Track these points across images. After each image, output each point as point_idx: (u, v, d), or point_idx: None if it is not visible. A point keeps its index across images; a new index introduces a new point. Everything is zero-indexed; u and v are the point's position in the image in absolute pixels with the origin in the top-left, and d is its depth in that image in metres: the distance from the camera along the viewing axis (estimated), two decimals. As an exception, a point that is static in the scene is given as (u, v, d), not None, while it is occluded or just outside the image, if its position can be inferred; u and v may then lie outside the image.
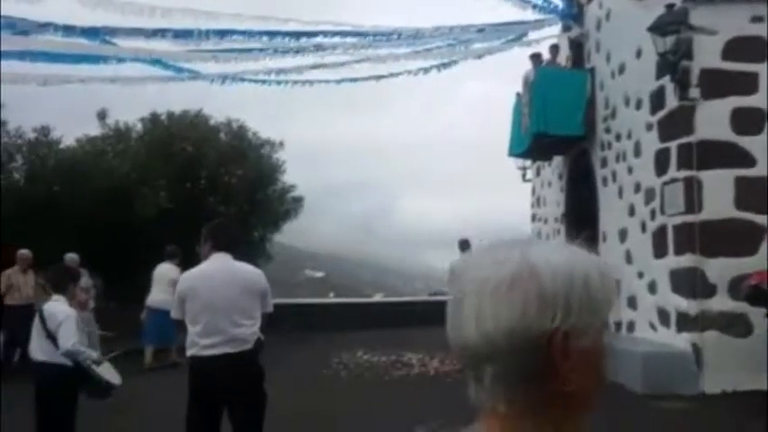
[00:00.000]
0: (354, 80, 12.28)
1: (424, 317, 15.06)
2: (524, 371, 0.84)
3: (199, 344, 4.23)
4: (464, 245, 10.81)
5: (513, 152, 12.97)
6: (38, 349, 4.77)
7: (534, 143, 11.50)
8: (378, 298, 29.88)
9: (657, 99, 8.64)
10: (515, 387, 0.85)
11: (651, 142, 8.80)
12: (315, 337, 13.34)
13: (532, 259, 0.85)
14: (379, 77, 12.22)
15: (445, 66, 12.37)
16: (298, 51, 11.04)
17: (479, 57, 12.21)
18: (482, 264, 0.88)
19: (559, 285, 0.84)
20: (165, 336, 9.70)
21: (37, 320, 4.80)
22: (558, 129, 10.93)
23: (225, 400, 4.27)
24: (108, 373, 4.85)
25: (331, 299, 27.86)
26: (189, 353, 4.33)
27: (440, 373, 9.77)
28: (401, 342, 12.06)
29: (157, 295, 9.94)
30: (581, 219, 11.38)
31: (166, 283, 9.35)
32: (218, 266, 4.38)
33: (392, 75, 12.33)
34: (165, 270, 10.15)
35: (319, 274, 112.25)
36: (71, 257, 10.13)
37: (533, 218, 14.81)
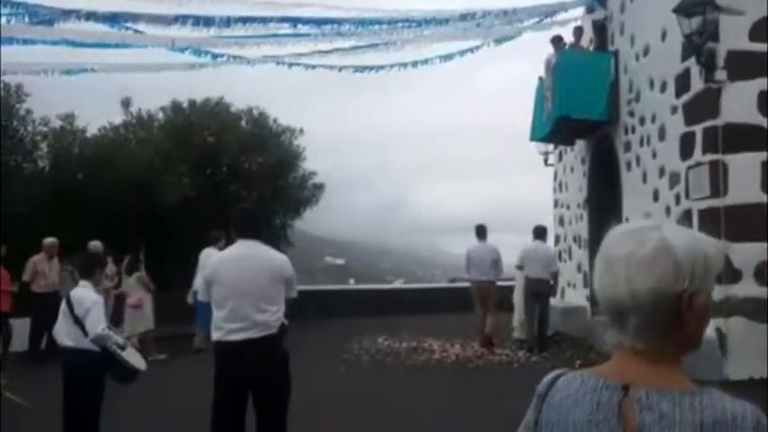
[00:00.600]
0: (379, 68, 12.17)
1: (443, 303, 15.11)
2: (661, 321, 1.16)
3: (224, 328, 4.27)
4: (480, 231, 10.76)
5: (536, 137, 12.86)
6: (65, 335, 4.82)
7: (557, 127, 11.39)
8: (398, 285, 29.94)
9: (683, 82, 8.49)
10: (653, 332, 1.17)
11: (676, 126, 8.66)
12: (336, 323, 13.42)
13: (668, 239, 1.17)
14: (402, 65, 12.12)
15: (467, 51, 12.24)
16: (316, 36, 11.00)
17: (501, 41, 12.05)
18: (629, 241, 1.19)
19: (688, 259, 1.16)
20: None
21: (64, 306, 4.85)
22: (580, 112, 10.80)
23: (250, 384, 4.30)
24: (134, 358, 4.91)
25: (351, 285, 27.94)
26: (214, 337, 4.37)
27: (460, 359, 9.79)
28: (421, 328, 12.08)
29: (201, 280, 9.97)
30: (604, 204, 11.26)
31: None
32: (245, 252, 4.40)
33: (414, 63, 12.22)
34: (208, 254, 10.17)
35: (339, 261, 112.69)
36: (95, 245, 10.24)
37: (555, 203, 14.67)
